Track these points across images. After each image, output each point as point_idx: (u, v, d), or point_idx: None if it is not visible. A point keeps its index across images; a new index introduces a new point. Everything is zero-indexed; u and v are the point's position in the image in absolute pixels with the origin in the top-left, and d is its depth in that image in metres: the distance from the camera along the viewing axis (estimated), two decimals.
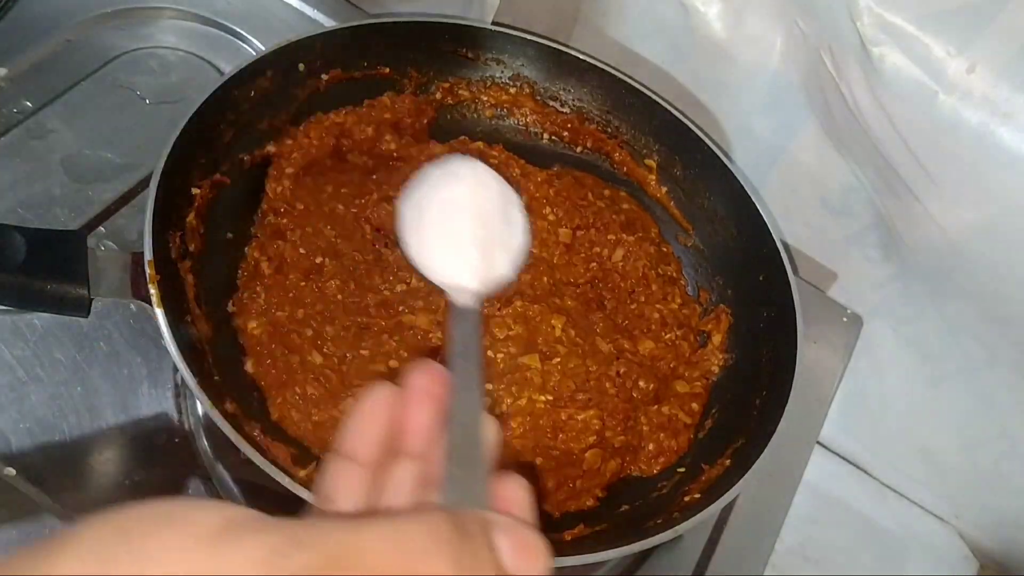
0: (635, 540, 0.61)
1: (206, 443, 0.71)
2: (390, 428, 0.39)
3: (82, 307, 0.61)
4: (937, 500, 1.07)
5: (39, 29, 0.91)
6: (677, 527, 0.62)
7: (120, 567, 0.27)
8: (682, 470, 0.73)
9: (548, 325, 0.77)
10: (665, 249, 0.88)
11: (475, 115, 0.94)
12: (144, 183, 0.81)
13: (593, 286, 0.84)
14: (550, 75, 0.93)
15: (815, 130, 0.90)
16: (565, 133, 0.94)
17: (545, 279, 0.81)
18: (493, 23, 0.92)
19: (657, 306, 0.84)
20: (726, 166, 0.85)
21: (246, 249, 0.76)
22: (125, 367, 0.74)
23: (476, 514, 0.32)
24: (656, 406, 0.76)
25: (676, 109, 0.88)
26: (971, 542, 1.07)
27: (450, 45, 0.91)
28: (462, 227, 0.53)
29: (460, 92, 0.93)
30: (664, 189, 0.91)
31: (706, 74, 0.93)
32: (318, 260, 0.76)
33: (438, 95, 0.92)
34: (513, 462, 0.69)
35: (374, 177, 0.83)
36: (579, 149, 0.94)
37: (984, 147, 0.75)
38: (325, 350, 0.71)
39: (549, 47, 0.91)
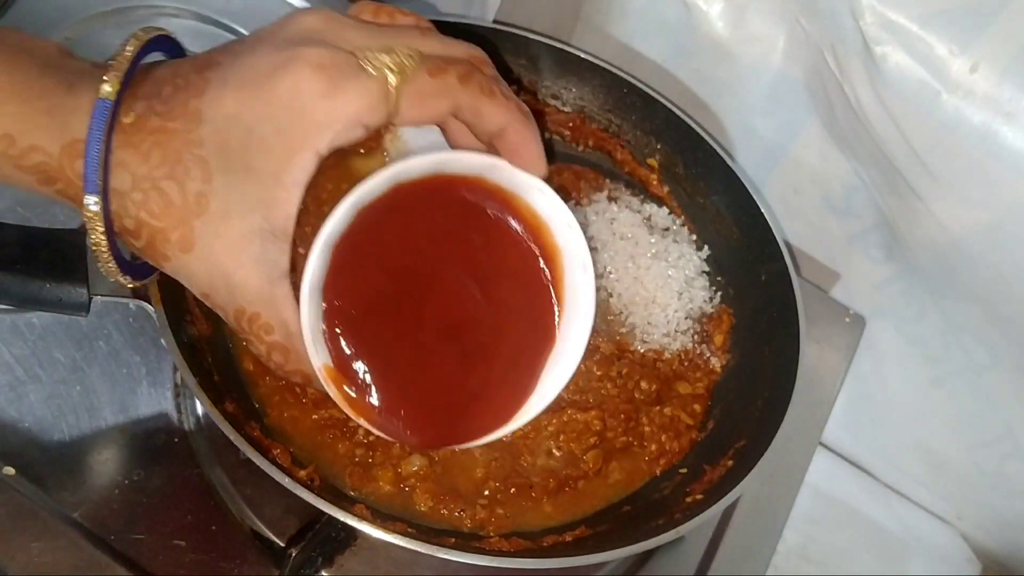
0: (637, 541, 0.61)
1: (205, 443, 0.71)
2: None
3: (81, 306, 0.61)
4: (940, 501, 1.07)
5: (38, 27, 0.91)
6: (679, 528, 0.62)
7: None
8: (684, 471, 0.72)
9: None
10: None
11: None
12: None
13: None
14: (551, 74, 0.92)
15: (818, 129, 0.89)
16: (566, 132, 0.94)
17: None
18: (494, 22, 0.91)
19: None
20: (728, 165, 0.84)
21: None
22: (124, 367, 0.74)
23: None
24: (658, 407, 0.75)
25: (678, 108, 0.88)
26: (974, 543, 1.07)
27: None
28: None
29: None
30: (666, 189, 0.90)
31: (708, 73, 0.93)
32: None
33: None
34: (513, 463, 0.69)
35: None
36: (580, 148, 0.94)
37: (987, 146, 0.75)
38: None
39: (550, 46, 0.90)
